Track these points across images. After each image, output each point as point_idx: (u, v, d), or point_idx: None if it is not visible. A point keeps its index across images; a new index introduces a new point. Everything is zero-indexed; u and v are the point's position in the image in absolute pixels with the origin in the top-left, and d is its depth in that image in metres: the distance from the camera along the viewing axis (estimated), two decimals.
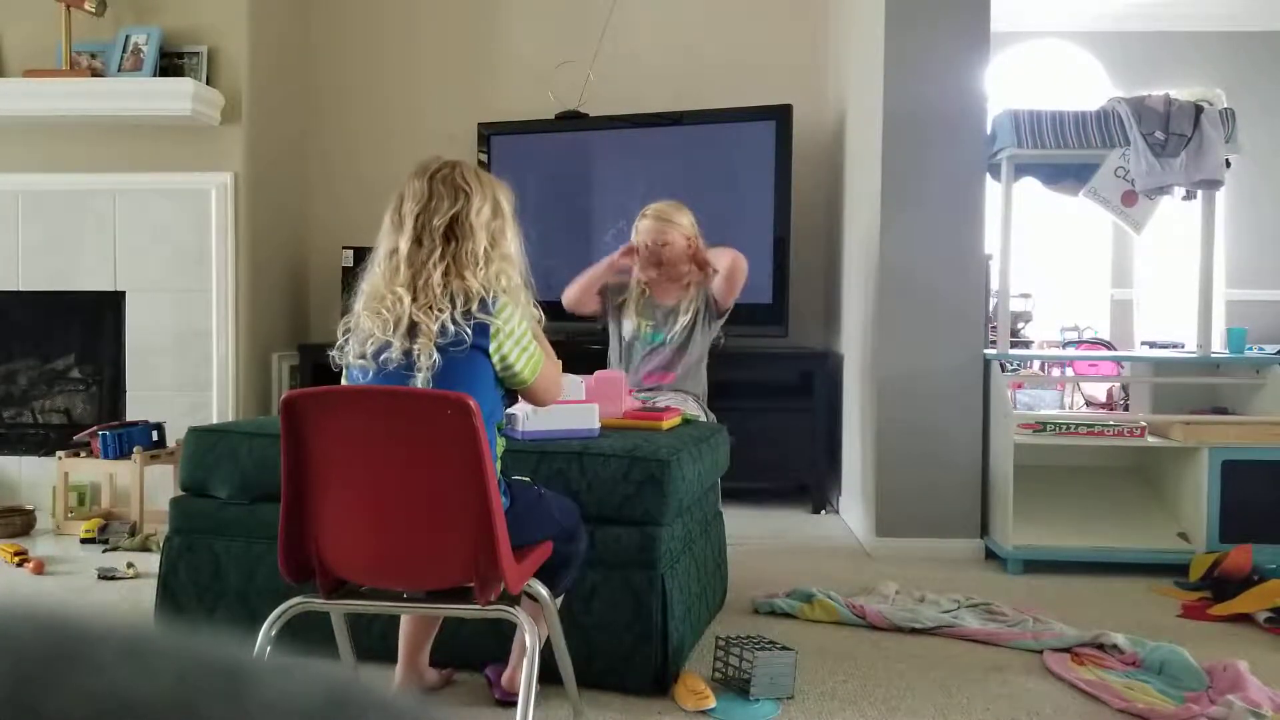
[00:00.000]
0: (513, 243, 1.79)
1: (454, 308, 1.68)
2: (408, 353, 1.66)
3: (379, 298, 1.71)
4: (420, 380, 1.64)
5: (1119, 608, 2.75)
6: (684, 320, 2.91)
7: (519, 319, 1.74)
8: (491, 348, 1.69)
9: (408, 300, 1.68)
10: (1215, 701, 2.00)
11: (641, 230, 2.92)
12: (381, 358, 1.68)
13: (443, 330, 1.66)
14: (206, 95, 3.87)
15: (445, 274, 1.69)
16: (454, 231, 1.71)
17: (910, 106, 3.33)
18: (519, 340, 1.73)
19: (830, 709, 2.03)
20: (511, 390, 1.80)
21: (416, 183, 1.74)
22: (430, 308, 1.67)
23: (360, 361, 1.70)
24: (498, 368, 1.71)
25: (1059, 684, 2.18)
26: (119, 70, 3.90)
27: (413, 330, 1.67)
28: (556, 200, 4.34)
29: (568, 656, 1.83)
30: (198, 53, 3.98)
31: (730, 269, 2.87)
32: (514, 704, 1.70)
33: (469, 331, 1.67)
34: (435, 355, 1.65)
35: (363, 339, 1.71)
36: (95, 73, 3.91)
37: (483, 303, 1.69)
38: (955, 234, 3.32)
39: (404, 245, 1.71)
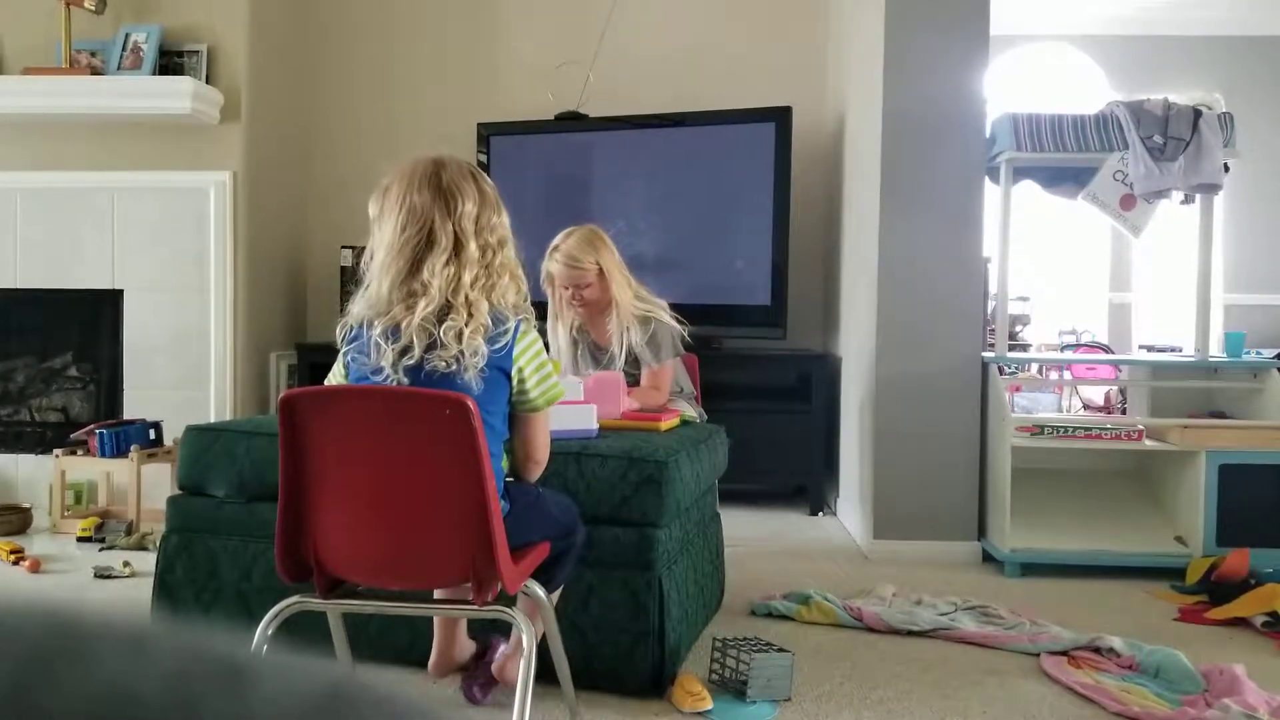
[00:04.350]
0: (508, 228, 1.77)
1: (490, 307, 1.66)
2: (456, 357, 1.62)
3: (405, 304, 1.65)
4: (472, 378, 1.62)
5: (1116, 611, 2.75)
6: (620, 359, 2.74)
7: (540, 345, 1.73)
8: (513, 371, 1.68)
9: (439, 303, 1.63)
10: (1212, 705, 2.00)
11: (554, 276, 2.72)
12: (424, 373, 1.63)
13: (484, 330, 1.64)
14: (206, 94, 3.87)
15: (475, 277, 1.66)
16: (475, 231, 1.69)
17: (910, 109, 3.33)
18: (541, 366, 1.72)
19: (827, 711, 2.03)
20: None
21: (417, 181, 1.69)
22: (466, 308, 1.64)
23: (376, 377, 1.65)
24: (514, 385, 1.70)
25: (1055, 687, 2.18)
26: (118, 69, 3.90)
27: (441, 340, 1.63)
28: (556, 201, 4.34)
29: (564, 657, 1.83)
30: (197, 51, 3.98)
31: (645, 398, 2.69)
32: (489, 703, 1.70)
33: (506, 327, 1.66)
34: (483, 348, 1.63)
35: (378, 352, 1.65)
36: (95, 71, 3.91)
37: (499, 318, 1.67)
38: (954, 237, 3.33)
39: (422, 250, 1.66)
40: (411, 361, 1.64)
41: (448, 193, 1.69)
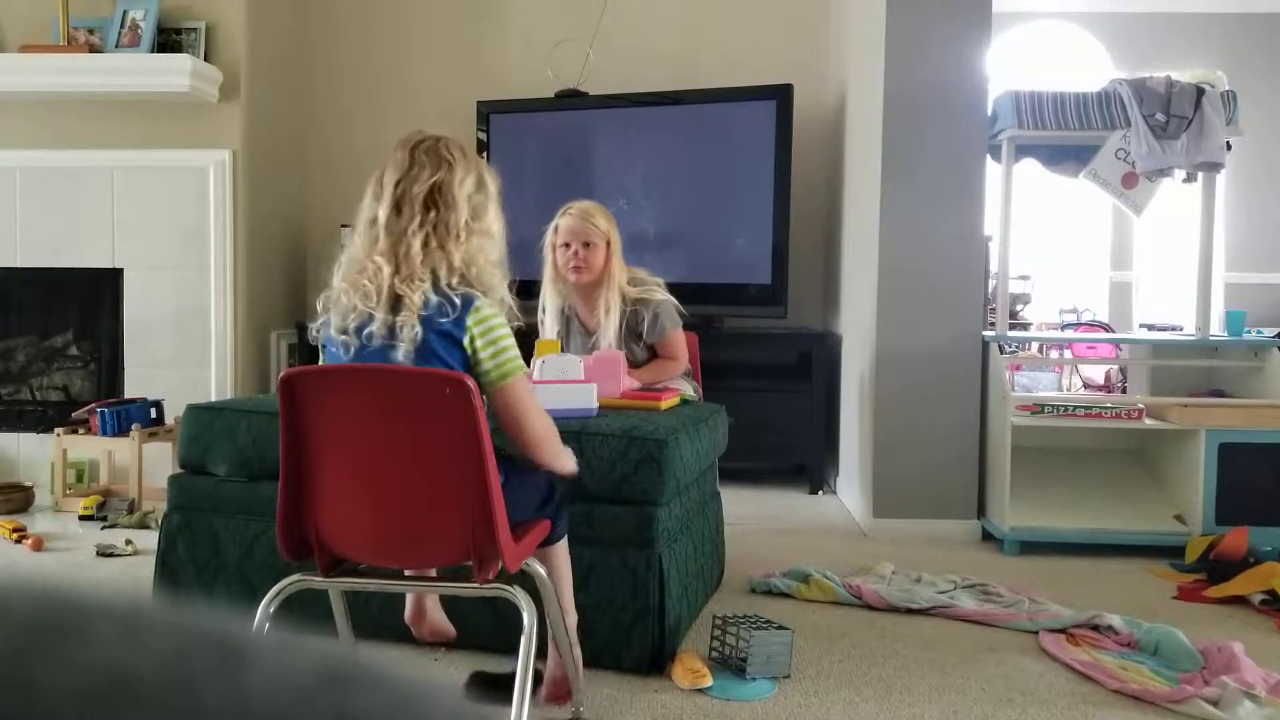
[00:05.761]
0: (495, 221, 1.74)
1: (435, 280, 1.65)
2: (390, 326, 1.63)
3: (359, 269, 1.68)
4: (402, 354, 1.61)
5: (1115, 589, 2.76)
6: (607, 343, 2.67)
7: (500, 320, 1.68)
8: (465, 340, 1.65)
9: (388, 270, 1.65)
10: (1209, 682, 2.02)
11: (562, 229, 2.65)
12: (365, 333, 1.65)
13: (425, 303, 1.63)
14: (204, 72, 3.85)
15: (425, 244, 1.65)
16: (434, 200, 1.68)
17: (911, 87, 3.31)
18: (494, 340, 1.66)
19: (826, 688, 2.04)
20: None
21: (398, 153, 1.73)
22: (411, 278, 1.64)
23: (342, 337, 1.67)
24: (467, 352, 1.66)
25: (1054, 664, 2.19)
26: (116, 46, 3.87)
27: (395, 303, 1.64)
28: (555, 180, 4.32)
29: (565, 634, 1.84)
30: (195, 29, 3.95)
31: (658, 373, 2.69)
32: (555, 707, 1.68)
33: (454, 302, 1.64)
34: (418, 328, 1.62)
35: (344, 312, 1.68)
36: (93, 48, 3.88)
37: (464, 280, 1.66)
38: (955, 215, 3.32)
39: (383, 214, 1.68)
40: (385, 320, 1.64)
41: (430, 155, 1.71)
